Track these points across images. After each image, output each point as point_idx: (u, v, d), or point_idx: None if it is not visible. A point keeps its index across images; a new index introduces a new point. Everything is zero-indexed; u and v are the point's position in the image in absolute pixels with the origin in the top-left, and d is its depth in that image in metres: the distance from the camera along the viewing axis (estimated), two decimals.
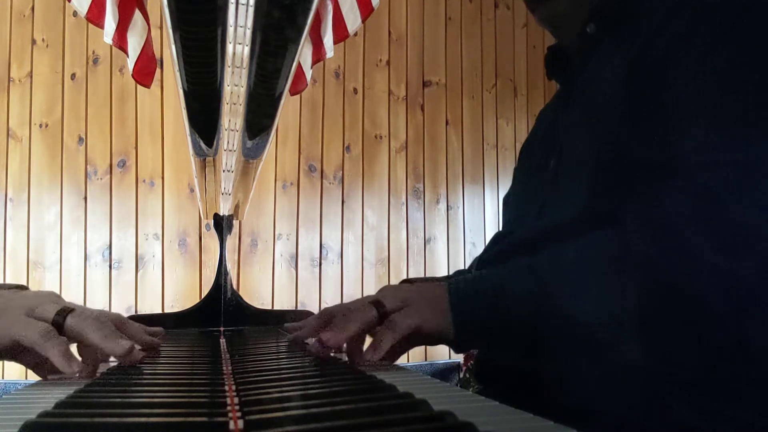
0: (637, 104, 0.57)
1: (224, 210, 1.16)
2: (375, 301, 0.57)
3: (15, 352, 0.52)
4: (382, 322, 0.56)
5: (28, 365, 0.55)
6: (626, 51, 0.61)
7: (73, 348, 0.54)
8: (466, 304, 0.56)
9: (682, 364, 0.51)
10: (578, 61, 0.70)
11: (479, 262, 0.79)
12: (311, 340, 0.60)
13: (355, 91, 2.72)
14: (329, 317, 0.66)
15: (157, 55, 2.03)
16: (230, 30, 0.58)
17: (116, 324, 0.59)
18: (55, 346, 0.49)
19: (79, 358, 0.53)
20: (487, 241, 0.85)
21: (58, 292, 0.59)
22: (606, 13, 0.67)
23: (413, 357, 2.68)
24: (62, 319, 0.52)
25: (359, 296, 0.87)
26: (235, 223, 1.40)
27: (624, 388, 0.52)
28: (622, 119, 0.58)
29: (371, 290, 1.07)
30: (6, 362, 2.18)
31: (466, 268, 0.90)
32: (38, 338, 0.49)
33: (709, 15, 0.55)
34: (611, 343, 0.50)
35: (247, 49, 0.62)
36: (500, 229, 0.83)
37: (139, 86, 2.06)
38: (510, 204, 0.83)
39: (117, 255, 2.34)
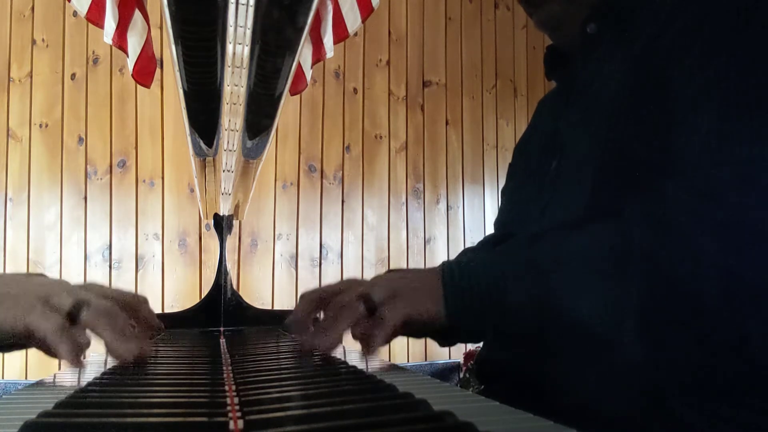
0: (640, 103, 0.57)
1: (224, 210, 1.16)
2: (363, 294, 0.56)
3: (28, 339, 0.53)
4: (371, 314, 0.55)
5: (40, 349, 0.56)
6: (628, 50, 0.61)
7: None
8: (459, 296, 0.55)
9: (682, 364, 0.51)
10: (578, 61, 0.70)
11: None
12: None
13: (355, 91, 2.72)
14: (317, 303, 0.65)
15: (157, 55, 2.03)
16: (230, 30, 0.58)
17: (132, 308, 0.62)
18: (65, 342, 0.50)
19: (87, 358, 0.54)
20: None
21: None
22: (606, 13, 0.66)
23: (413, 357, 2.68)
24: (76, 312, 0.53)
25: None
26: (235, 223, 1.40)
27: (624, 388, 0.52)
28: (625, 118, 0.58)
29: None
30: (5, 362, 2.19)
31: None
32: (51, 332, 0.50)
33: (712, 13, 0.55)
34: (611, 340, 0.50)
35: (247, 49, 0.62)
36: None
37: (139, 86, 2.06)
38: (508, 206, 0.82)
39: (117, 255, 2.34)
